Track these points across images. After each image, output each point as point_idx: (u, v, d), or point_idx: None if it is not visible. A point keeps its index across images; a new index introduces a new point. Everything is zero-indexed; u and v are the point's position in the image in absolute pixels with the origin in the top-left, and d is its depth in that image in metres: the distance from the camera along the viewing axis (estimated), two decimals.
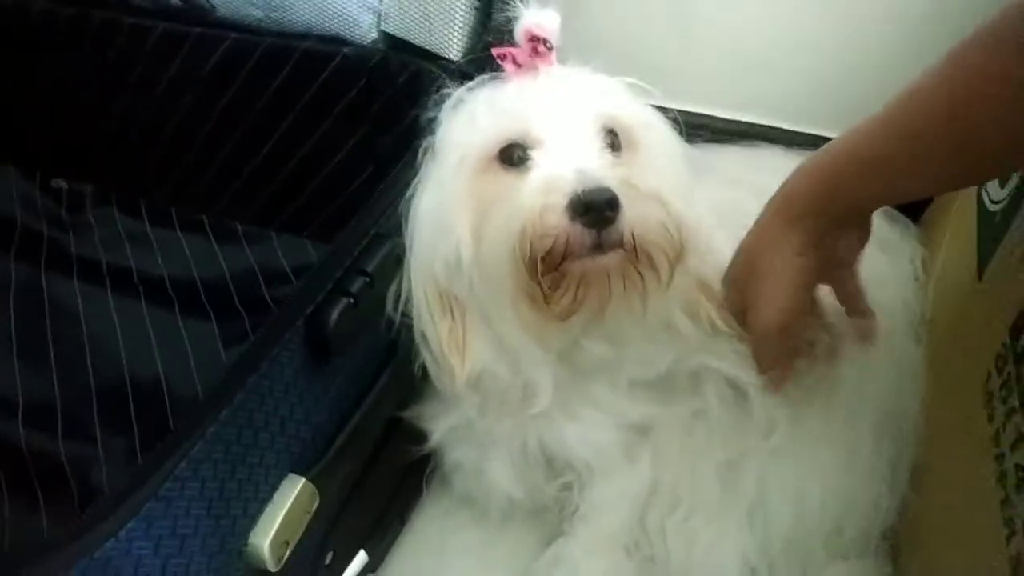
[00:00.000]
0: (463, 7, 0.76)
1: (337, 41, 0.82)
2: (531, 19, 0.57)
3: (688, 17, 0.88)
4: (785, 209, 0.56)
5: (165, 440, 0.45)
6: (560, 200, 0.51)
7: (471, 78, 0.64)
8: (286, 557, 0.53)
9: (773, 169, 0.62)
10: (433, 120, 0.61)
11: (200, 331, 0.84)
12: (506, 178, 0.56)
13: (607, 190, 0.51)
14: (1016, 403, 0.46)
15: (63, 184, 1.01)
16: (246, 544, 0.50)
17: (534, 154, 0.56)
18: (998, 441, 0.47)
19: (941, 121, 0.46)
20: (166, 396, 0.78)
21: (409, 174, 0.62)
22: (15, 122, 1.01)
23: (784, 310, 0.56)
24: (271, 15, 0.84)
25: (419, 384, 0.66)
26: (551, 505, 0.69)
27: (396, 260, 0.60)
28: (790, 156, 0.77)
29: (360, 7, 0.80)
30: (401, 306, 0.60)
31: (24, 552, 0.40)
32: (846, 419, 0.63)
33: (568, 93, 0.58)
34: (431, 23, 0.78)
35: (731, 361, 0.63)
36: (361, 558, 0.65)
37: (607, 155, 0.56)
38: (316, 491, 0.55)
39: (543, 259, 0.53)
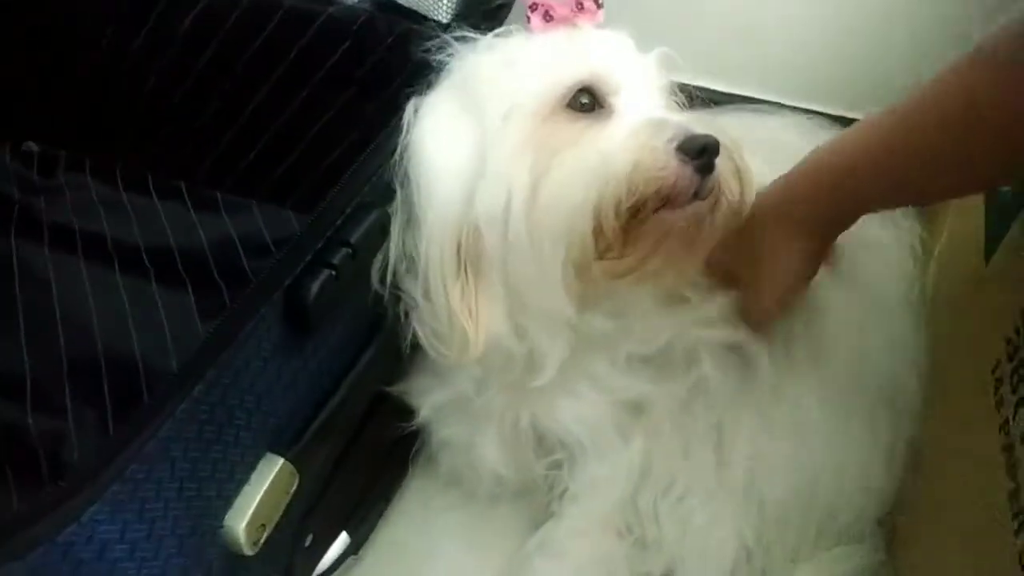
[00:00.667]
0: None
1: (322, 0, 0.78)
2: None
3: None
4: (787, 213, 0.56)
5: (132, 418, 0.42)
6: (670, 142, 0.51)
7: (460, 40, 0.62)
8: (263, 540, 0.50)
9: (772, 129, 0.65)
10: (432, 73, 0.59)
11: (176, 302, 0.80)
12: (579, 124, 0.54)
13: (711, 136, 0.51)
14: None
15: (34, 148, 0.97)
16: (221, 527, 0.48)
17: (613, 100, 0.55)
18: (1007, 431, 0.46)
19: (938, 140, 0.47)
20: (140, 368, 0.75)
21: (395, 140, 0.59)
22: None
23: (784, 302, 0.59)
24: None
25: (407, 359, 0.63)
26: (540, 484, 0.67)
27: (381, 230, 0.57)
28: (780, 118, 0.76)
29: None
30: (389, 277, 0.58)
31: None
32: (840, 401, 0.61)
33: (631, 45, 0.57)
34: None
35: (725, 329, 0.62)
36: (342, 540, 0.63)
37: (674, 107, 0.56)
38: (295, 471, 0.52)
39: (637, 203, 0.51)
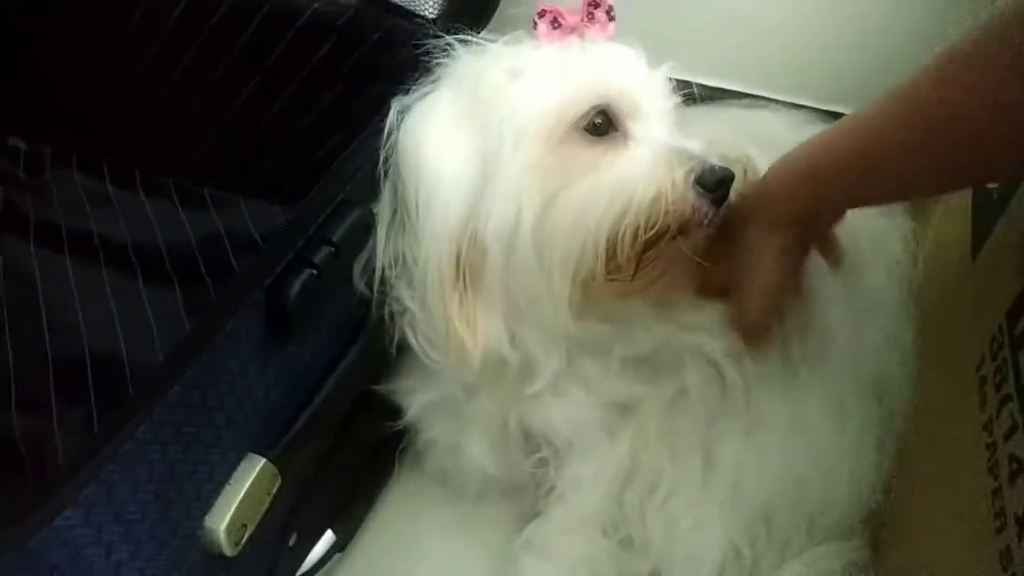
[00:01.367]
0: None
1: None
2: None
3: None
4: (767, 214, 0.56)
5: (110, 419, 0.42)
6: (687, 174, 0.51)
7: (446, 35, 0.61)
8: (244, 541, 0.50)
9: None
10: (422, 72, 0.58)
11: (163, 299, 0.80)
12: (594, 149, 0.54)
13: (727, 168, 0.52)
14: (1011, 390, 0.44)
15: (20, 144, 0.96)
16: (201, 528, 0.48)
17: (628, 125, 0.54)
18: (990, 429, 0.45)
19: (920, 137, 0.46)
20: (126, 366, 0.75)
21: (379, 139, 0.58)
22: None
23: (772, 301, 0.58)
24: None
25: (394, 358, 0.63)
26: (527, 482, 0.67)
27: (364, 228, 0.57)
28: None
29: None
30: (376, 280, 0.57)
31: None
32: (829, 399, 0.61)
33: (643, 62, 0.57)
34: None
35: (712, 338, 0.61)
36: (328, 538, 0.63)
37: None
38: (277, 472, 0.52)
39: (655, 233, 0.52)
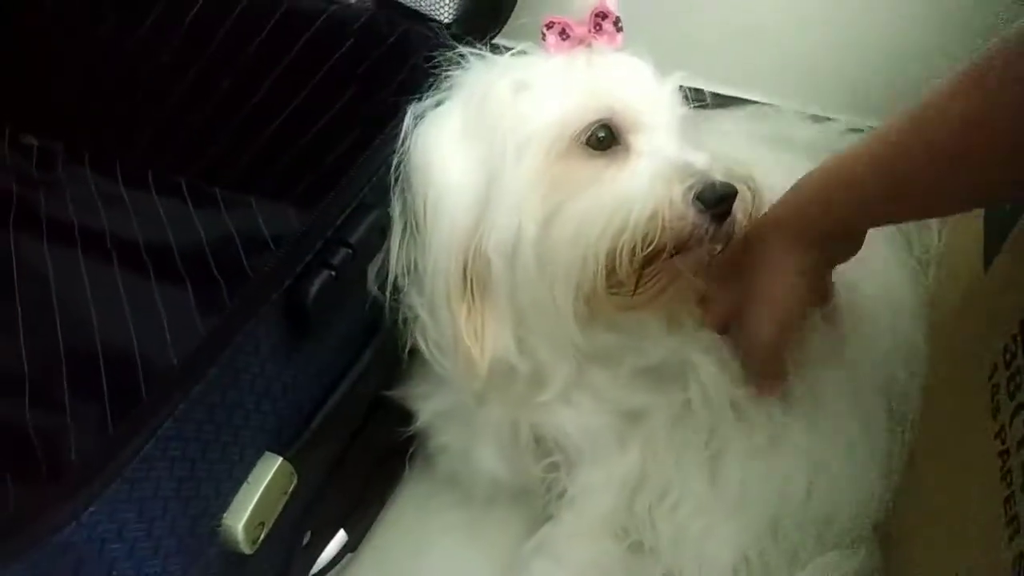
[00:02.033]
0: None
1: None
2: None
3: None
4: (779, 233, 0.55)
5: (132, 416, 0.42)
6: (690, 191, 0.50)
7: (461, 40, 0.61)
8: (261, 539, 0.51)
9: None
10: (435, 82, 0.59)
11: (176, 298, 0.80)
12: (596, 163, 0.53)
13: (729, 183, 0.51)
14: None
15: (33, 141, 0.97)
16: (219, 526, 0.48)
17: (631, 139, 0.53)
18: (1003, 437, 0.46)
19: (929, 164, 0.45)
20: (139, 364, 0.75)
21: (394, 144, 0.58)
22: None
23: (785, 328, 0.56)
24: None
25: (406, 364, 0.63)
26: (537, 487, 0.67)
27: (380, 232, 0.57)
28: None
29: None
30: (390, 283, 0.58)
31: None
32: (836, 409, 0.61)
33: (650, 74, 0.56)
34: None
35: (716, 362, 0.61)
36: (340, 538, 0.64)
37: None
38: (294, 471, 0.52)
39: (654, 249, 0.51)
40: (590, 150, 0.53)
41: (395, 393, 0.65)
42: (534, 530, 0.65)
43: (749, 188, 0.55)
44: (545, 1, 0.69)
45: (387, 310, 0.59)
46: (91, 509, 0.38)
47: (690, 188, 0.51)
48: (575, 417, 0.62)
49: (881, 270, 0.64)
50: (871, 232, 0.61)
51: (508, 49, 0.60)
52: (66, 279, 0.82)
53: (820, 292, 0.58)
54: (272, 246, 0.86)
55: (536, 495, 0.67)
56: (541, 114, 0.53)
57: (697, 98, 0.60)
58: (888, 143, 0.48)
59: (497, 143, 0.54)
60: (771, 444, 0.61)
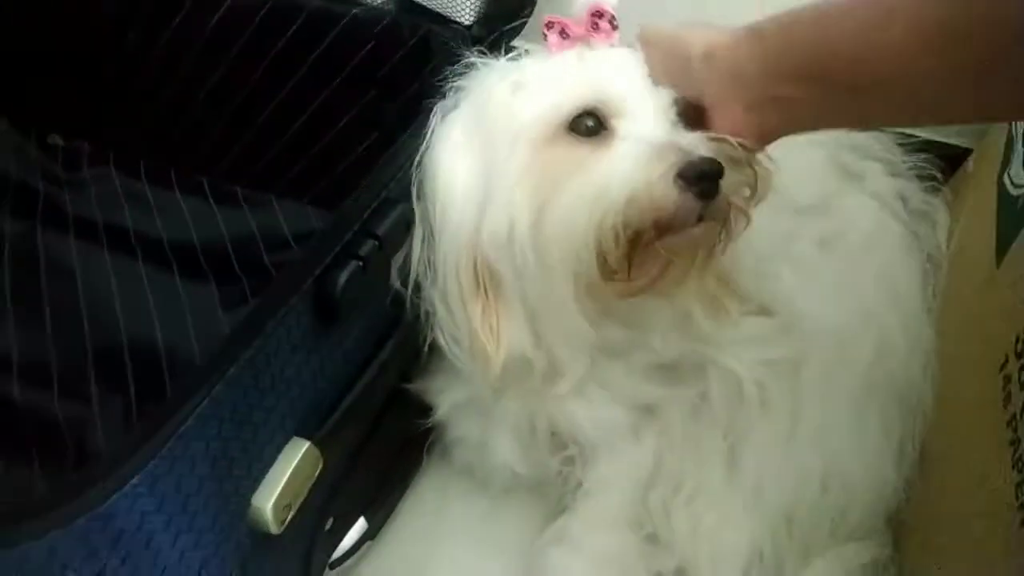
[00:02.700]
0: None
1: (347, 1, 0.80)
2: None
3: None
4: (733, 64, 0.49)
5: (169, 398, 0.44)
6: (670, 170, 0.49)
7: (481, 42, 0.63)
8: (288, 520, 0.52)
9: None
10: (451, 87, 0.60)
11: (199, 294, 0.82)
12: (581, 149, 0.53)
13: (714, 160, 0.49)
14: None
15: (59, 141, 0.99)
16: (248, 506, 0.49)
17: (616, 123, 0.53)
18: (1015, 426, 0.47)
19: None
20: (163, 357, 0.77)
21: (419, 140, 0.60)
22: (11, 76, 0.98)
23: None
24: None
25: (425, 356, 0.65)
26: (553, 479, 0.68)
27: (405, 226, 0.58)
28: None
29: None
30: (412, 278, 0.59)
31: (21, 508, 0.39)
32: (854, 400, 0.62)
33: (637, 63, 0.55)
34: None
35: (733, 355, 0.63)
36: (360, 525, 0.65)
37: (682, 125, 0.54)
38: (320, 455, 0.54)
39: (636, 233, 0.51)
40: (578, 138, 0.54)
41: (415, 386, 0.66)
42: (550, 521, 0.67)
43: (752, 167, 0.53)
44: (548, 1, 0.71)
45: (409, 304, 0.60)
46: (134, 481, 0.39)
47: (671, 167, 0.49)
48: (589, 411, 0.63)
49: (888, 270, 0.65)
50: (881, 232, 0.62)
51: (524, 50, 0.61)
52: (92, 274, 0.84)
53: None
54: (292, 243, 0.88)
55: (552, 487, 0.68)
56: (531, 108, 0.54)
57: None
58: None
59: (495, 143, 0.55)
60: (788, 436, 0.62)
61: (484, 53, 0.61)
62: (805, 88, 0.46)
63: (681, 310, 0.60)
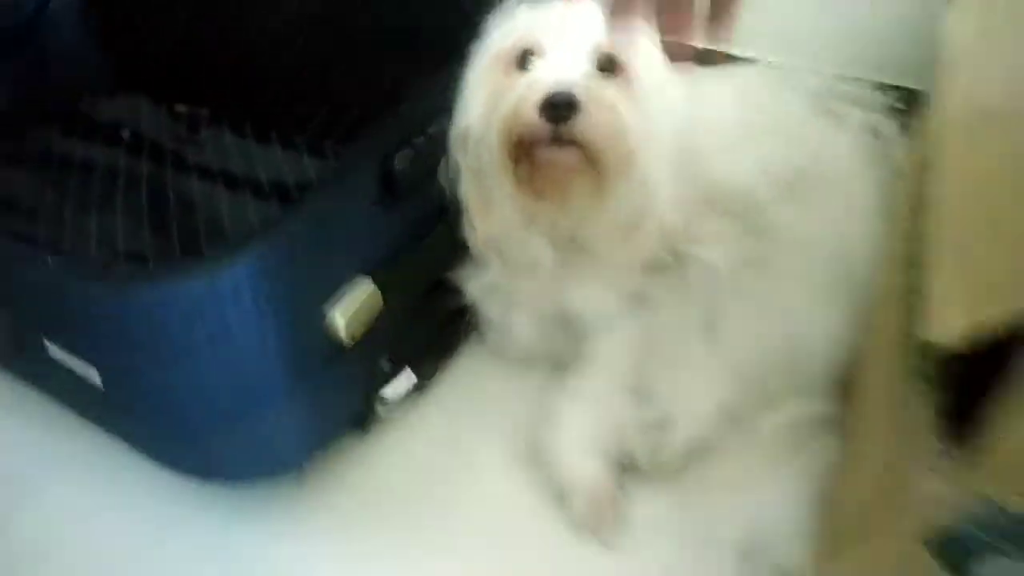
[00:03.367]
0: None
1: None
2: None
3: None
4: None
5: (272, 215, 0.62)
6: (535, 97, 0.66)
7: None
8: (357, 340, 0.69)
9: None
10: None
11: None
12: (515, 77, 0.71)
13: (569, 93, 0.66)
14: None
15: (184, 109, 1.22)
16: (323, 316, 0.66)
17: (537, 61, 0.71)
18: None
19: None
20: None
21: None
22: (147, 58, 1.22)
23: None
24: None
25: (461, 251, 0.81)
26: (565, 354, 0.83)
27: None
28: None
29: None
30: (450, 174, 0.76)
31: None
32: (814, 282, 0.76)
33: (582, 18, 0.71)
34: None
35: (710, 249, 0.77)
36: (408, 375, 0.81)
37: (594, 72, 0.70)
38: (381, 295, 0.70)
39: (517, 144, 0.68)
40: (518, 70, 0.71)
41: (451, 275, 0.83)
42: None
43: (612, 116, 0.67)
44: None
45: (448, 199, 0.77)
46: (244, 259, 0.57)
47: (535, 95, 0.66)
48: (587, 296, 0.79)
49: (846, 164, 0.80)
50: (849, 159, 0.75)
51: None
52: (210, 207, 1.05)
53: None
54: None
55: (564, 360, 0.84)
56: (497, 45, 0.73)
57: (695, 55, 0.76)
58: None
59: (486, 69, 0.73)
60: (758, 313, 0.76)
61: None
62: None
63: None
